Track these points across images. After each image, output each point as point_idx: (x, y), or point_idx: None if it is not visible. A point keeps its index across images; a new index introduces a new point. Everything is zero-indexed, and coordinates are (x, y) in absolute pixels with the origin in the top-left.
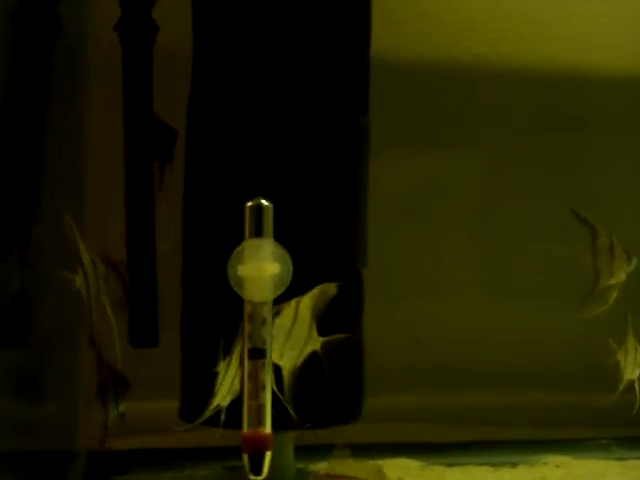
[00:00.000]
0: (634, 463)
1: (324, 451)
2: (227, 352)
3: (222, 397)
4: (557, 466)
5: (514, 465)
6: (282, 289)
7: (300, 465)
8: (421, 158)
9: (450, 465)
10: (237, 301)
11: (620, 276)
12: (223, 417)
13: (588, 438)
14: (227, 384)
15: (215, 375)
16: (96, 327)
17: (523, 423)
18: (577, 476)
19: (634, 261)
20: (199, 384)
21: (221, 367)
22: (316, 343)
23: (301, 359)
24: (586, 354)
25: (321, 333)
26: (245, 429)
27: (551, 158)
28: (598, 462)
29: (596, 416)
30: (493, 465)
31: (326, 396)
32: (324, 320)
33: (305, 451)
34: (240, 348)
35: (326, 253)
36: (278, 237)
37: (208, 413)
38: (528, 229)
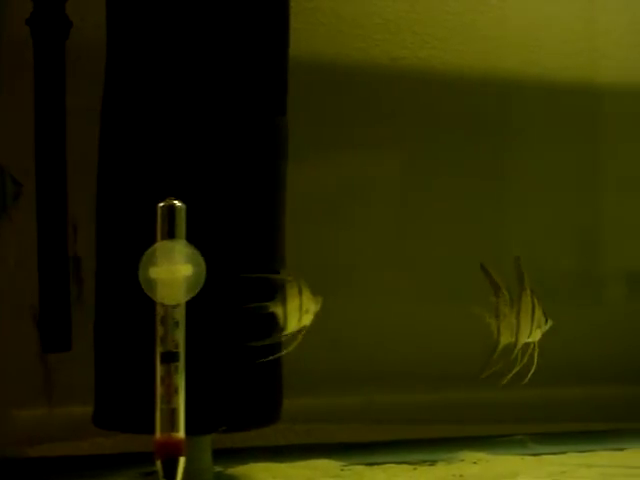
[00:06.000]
0: (549, 458)
1: (243, 454)
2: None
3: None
4: (474, 463)
5: (432, 463)
6: (195, 291)
7: (218, 469)
8: (341, 159)
9: (370, 465)
10: (150, 304)
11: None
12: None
13: (504, 434)
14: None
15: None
16: None
17: (440, 421)
18: (494, 472)
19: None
20: (114, 389)
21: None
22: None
23: None
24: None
25: (237, 334)
26: (158, 434)
27: (470, 160)
28: (514, 458)
29: (510, 412)
30: (412, 463)
31: (243, 399)
32: (239, 322)
33: (223, 455)
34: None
35: (242, 255)
36: (191, 239)
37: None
38: (447, 229)
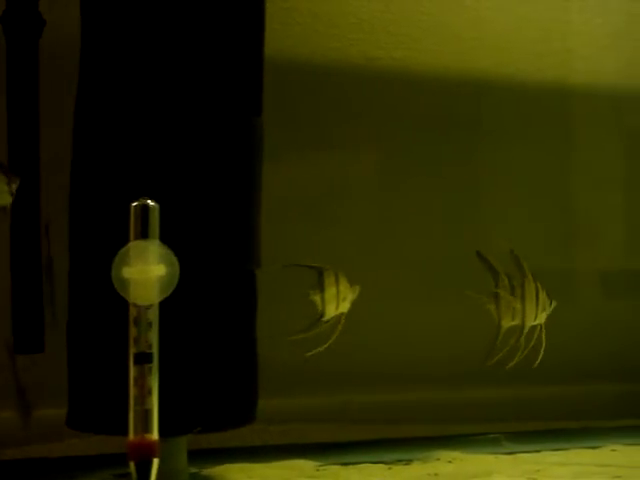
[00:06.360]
0: (523, 457)
1: (219, 455)
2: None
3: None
4: (449, 461)
5: (408, 462)
6: (168, 292)
7: (194, 470)
8: (318, 159)
9: (345, 464)
10: (124, 305)
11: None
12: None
13: (478, 433)
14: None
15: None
16: None
17: (415, 420)
18: (469, 471)
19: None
20: (87, 391)
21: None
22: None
23: None
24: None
25: (212, 334)
26: (131, 436)
27: (446, 158)
28: (489, 457)
29: (485, 411)
30: (387, 463)
31: (219, 399)
32: (214, 322)
33: (199, 455)
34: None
35: (216, 254)
36: (165, 239)
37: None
38: (423, 227)
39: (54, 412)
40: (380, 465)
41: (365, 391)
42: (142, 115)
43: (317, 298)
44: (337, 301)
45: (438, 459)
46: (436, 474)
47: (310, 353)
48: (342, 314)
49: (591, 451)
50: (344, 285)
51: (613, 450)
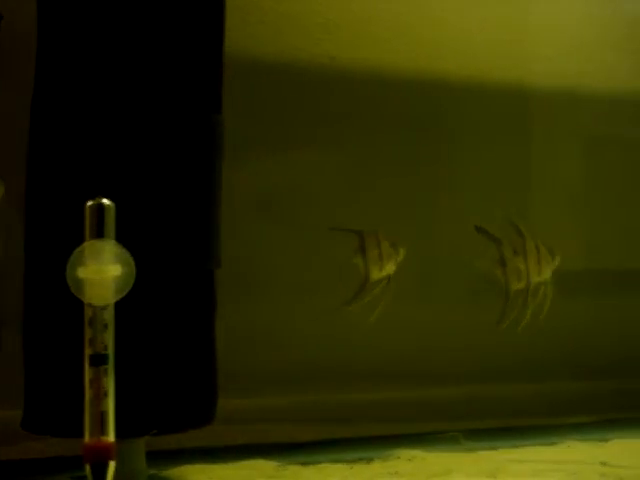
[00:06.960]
0: (482, 454)
1: (177, 456)
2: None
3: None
4: (409, 460)
5: (369, 461)
6: (124, 292)
7: (153, 471)
8: (280, 158)
9: (305, 464)
10: (79, 305)
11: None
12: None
13: (438, 431)
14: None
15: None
16: None
17: (375, 419)
18: (428, 470)
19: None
20: (43, 392)
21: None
22: None
23: None
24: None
25: (170, 335)
26: (87, 438)
27: (409, 156)
28: (449, 455)
29: (444, 409)
30: (348, 462)
31: (177, 400)
32: (172, 322)
33: (158, 457)
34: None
35: (174, 253)
36: (121, 238)
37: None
38: (389, 226)
39: (9, 414)
40: (341, 464)
41: (324, 391)
42: (99, 113)
43: (359, 261)
44: (380, 263)
45: (398, 457)
46: (396, 472)
47: (372, 318)
48: (389, 276)
49: (548, 448)
50: (386, 247)
51: (569, 447)
